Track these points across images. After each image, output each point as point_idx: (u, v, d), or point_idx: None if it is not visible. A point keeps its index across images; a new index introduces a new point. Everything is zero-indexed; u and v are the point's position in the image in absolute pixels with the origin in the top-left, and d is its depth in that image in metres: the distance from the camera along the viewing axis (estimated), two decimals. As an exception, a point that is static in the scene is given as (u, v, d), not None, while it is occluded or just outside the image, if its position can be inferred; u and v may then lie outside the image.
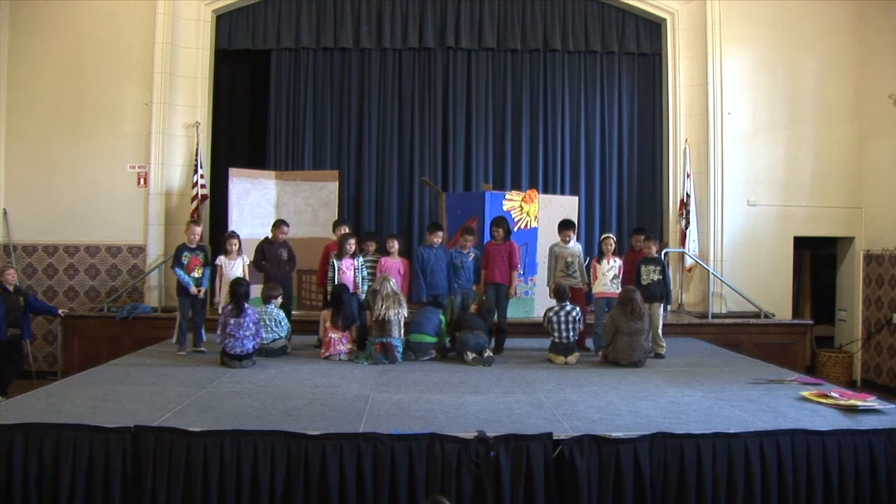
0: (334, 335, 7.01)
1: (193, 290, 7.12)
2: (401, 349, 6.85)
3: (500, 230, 7.50)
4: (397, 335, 6.82)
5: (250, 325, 6.48)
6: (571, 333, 6.93)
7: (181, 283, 7.15)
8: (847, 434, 4.43)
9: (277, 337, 7.03)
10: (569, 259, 7.49)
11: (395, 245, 7.63)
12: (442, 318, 7.19)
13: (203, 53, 9.84)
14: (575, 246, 7.62)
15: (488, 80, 10.41)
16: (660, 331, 7.24)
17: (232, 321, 6.43)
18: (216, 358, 6.67)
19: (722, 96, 9.74)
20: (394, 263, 7.54)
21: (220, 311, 6.90)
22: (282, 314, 7.14)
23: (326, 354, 6.98)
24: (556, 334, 6.93)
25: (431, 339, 7.04)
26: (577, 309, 7.04)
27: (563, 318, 6.92)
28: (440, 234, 7.59)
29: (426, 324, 7.04)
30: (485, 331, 7.02)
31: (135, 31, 9.50)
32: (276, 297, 7.13)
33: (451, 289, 7.48)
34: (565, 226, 7.62)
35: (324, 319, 7.21)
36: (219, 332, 6.51)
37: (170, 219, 9.60)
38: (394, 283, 7.02)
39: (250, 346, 6.47)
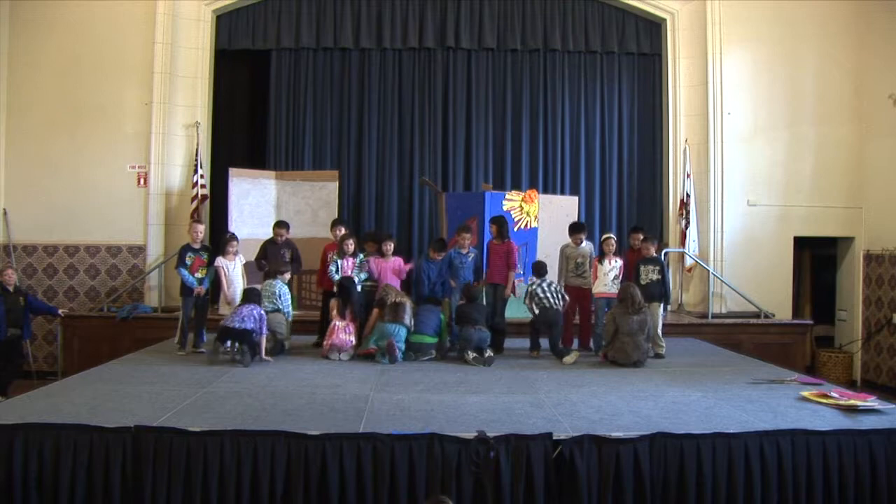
0: (339, 323, 7.02)
1: (198, 288, 7.13)
2: (402, 348, 6.86)
3: (494, 227, 7.59)
4: (408, 322, 6.86)
5: (253, 313, 6.57)
6: (559, 302, 7.15)
7: (185, 283, 7.16)
8: (847, 434, 4.43)
9: (274, 308, 7.03)
10: (579, 260, 7.56)
11: (390, 246, 7.61)
12: (442, 317, 7.20)
13: (203, 53, 9.84)
14: (587, 247, 7.66)
15: (488, 81, 10.42)
16: (659, 331, 7.25)
17: (242, 306, 6.64)
18: (216, 358, 6.68)
19: (722, 96, 9.74)
20: (388, 264, 7.53)
21: (220, 311, 6.94)
22: (285, 289, 7.19)
23: (329, 342, 6.97)
24: (544, 303, 7.11)
25: (431, 340, 7.05)
26: (556, 282, 7.33)
27: (546, 289, 7.16)
28: (444, 254, 7.58)
29: (425, 324, 7.04)
30: (485, 325, 7.06)
31: (135, 32, 9.51)
32: (283, 273, 7.25)
33: (445, 293, 7.54)
34: (577, 229, 7.70)
35: (332, 308, 7.25)
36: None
37: (170, 219, 9.61)
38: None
39: (249, 325, 6.50)
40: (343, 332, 6.99)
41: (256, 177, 9.49)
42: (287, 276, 7.33)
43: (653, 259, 7.39)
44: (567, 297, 7.32)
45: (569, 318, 7.60)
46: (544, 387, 5.75)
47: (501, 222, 7.66)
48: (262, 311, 6.68)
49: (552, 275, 7.65)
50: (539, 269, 7.38)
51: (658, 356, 7.14)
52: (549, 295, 7.15)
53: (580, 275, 7.53)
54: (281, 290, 7.16)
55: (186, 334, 7.17)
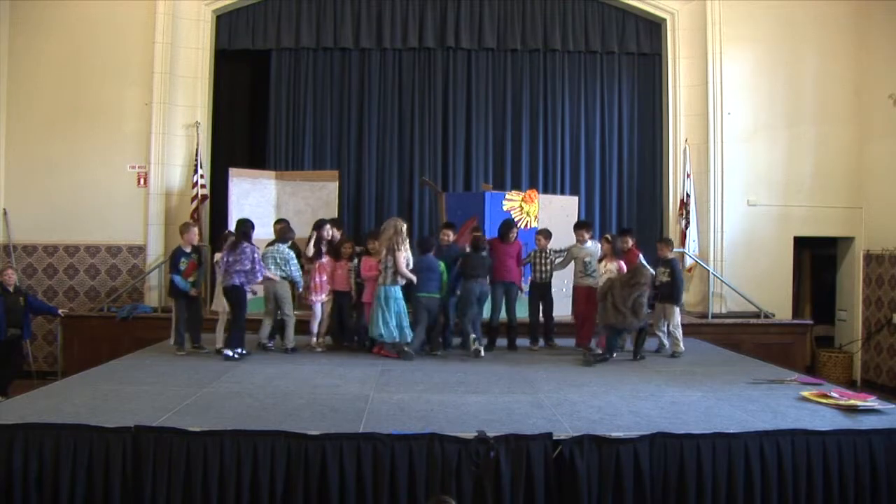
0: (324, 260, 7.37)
1: (193, 291, 7.11)
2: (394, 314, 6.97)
3: (515, 231, 7.80)
4: (404, 268, 6.99)
5: (246, 261, 6.67)
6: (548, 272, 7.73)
7: (179, 287, 7.09)
8: (847, 434, 4.43)
9: (285, 275, 7.14)
10: (586, 259, 7.62)
11: (376, 245, 7.46)
12: (441, 267, 7.27)
13: (203, 53, 9.84)
14: (593, 246, 7.72)
15: (488, 80, 10.42)
16: (679, 331, 7.34)
17: (230, 258, 6.68)
18: (216, 357, 6.73)
19: (722, 96, 9.74)
20: (375, 263, 7.38)
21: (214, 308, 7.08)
22: (291, 253, 7.23)
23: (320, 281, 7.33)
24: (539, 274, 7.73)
25: (437, 295, 7.19)
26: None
27: (542, 258, 7.71)
28: (449, 233, 7.73)
29: (427, 283, 7.13)
30: (487, 278, 7.38)
31: (135, 32, 9.51)
32: (289, 239, 7.34)
33: (458, 285, 7.63)
34: (581, 226, 7.85)
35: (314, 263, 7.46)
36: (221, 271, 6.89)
37: (170, 219, 9.59)
38: (404, 228, 7.15)
39: (236, 281, 6.67)
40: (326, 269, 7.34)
41: (256, 177, 9.49)
42: (292, 239, 7.39)
43: (665, 261, 7.44)
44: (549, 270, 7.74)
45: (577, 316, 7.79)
46: (544, 387, 5.75)
47: (513, 225, 7.91)
48: (257, 254, 6.81)
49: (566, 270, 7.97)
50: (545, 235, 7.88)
51: (675, 355, 7.26)
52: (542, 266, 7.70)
53: (589, 274, 7.57)
54: (289, 254, 7.17)
55: (182, 335, 7.14)
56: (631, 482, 4.15)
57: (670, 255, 7.51)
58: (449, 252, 7.54)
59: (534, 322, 7.79)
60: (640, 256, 7.58)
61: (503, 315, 7.68)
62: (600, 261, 7.43)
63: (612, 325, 6.79)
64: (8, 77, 9.49)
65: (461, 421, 4.62)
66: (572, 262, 7.78)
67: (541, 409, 4.98)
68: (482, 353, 7.07)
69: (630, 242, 7.63)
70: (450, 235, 7.70)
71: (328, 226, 7.65)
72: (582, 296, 7.65)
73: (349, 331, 7.59)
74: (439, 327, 7.42)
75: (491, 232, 8.09)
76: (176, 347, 7.12)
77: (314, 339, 7.41)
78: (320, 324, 7.46)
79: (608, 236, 7.56)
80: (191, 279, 7.15)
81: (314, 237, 7.46)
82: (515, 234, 7.76)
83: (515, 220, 8.77)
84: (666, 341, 7.45)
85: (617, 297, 6.71)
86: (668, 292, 7.31)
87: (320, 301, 7.38)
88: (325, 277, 7.38)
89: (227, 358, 6.63)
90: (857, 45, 9.77)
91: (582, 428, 4.42)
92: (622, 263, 7.25)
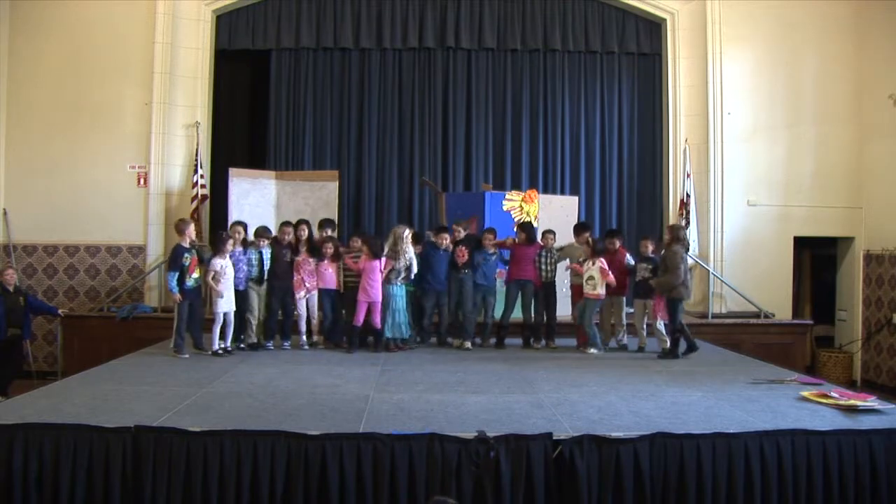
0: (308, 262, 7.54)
1: (177, 297, 6.92)
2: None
3: (523, 234, 7.87)
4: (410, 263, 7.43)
5: (238, 264, 7.20)
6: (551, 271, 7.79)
7: (171, 290, 6.95)
8: (847, 434, 4.42)
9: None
10: (580, 259, 7.69)
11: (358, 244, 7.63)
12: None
13: (203, 53, 9.84)
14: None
15: (488, 80, 10.42)
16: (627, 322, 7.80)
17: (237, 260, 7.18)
18: (215, 357, 6.78)
19: (722, 96, 9.74)
20: (377, 263, 7.39)
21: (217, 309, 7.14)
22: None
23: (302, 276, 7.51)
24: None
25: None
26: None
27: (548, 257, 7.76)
28: (447, 236, 7.79)
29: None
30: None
31: (134, 31, 9.51)
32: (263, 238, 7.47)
33: (449, 286, 7.79)
34: (582, 228, 7.94)
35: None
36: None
37: (170, 219, 9.57)
38: (403, 233, 7.47)
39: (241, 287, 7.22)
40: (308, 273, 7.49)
41: (256, 177, 9.49)
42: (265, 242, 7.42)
43: (647, 258, 7.53)
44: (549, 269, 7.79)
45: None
46: (544, 387, 5.75)
47: (529, 228, 8.00)
48: (244, 256, 7.26)
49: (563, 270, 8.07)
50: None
51: (641, 349, 7.57)
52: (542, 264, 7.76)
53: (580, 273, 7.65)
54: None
55: (183, 338, 7.04)
56: (631, 482, 4.15)
57: (651, 252, 7.55)
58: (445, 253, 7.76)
59: (537, 321, 7.87)
60: (628, 256, 7.74)
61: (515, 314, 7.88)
62: (583, 262, 7.51)
63: (673, 299, 7.00)
64: (8, 77, 9.49)
65: (461, 421, 4.62)
66: (566, 260, 7.89)
67: (541, 409, 4.98)
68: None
69: (617, 244, 7.73)
70: (446, 238, 7.78)
71: (303, 225, 7.72)
72: (576, 294, 7.80)
73: (341, 329, 7.65)
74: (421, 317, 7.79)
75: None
76: (176, 351, 6.96)
77: (303, 338, 7.54)
78: (308, 321, 7.60)
79: (589, 239, 7.61)
80: (195, 275, 7.11)
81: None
82: (525, 238, 7.87)
83: (515, 219, 8.81)
84: (645, 338, 7.66)
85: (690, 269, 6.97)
86: (649, 289, 7.37)
87: (301, 298, 7.50)
88: (302, 275, 7.50)
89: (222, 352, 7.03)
90: (857, 45, 9.77)
91: (582, 428, 4.42)
92: (603, 261, 7.36)
